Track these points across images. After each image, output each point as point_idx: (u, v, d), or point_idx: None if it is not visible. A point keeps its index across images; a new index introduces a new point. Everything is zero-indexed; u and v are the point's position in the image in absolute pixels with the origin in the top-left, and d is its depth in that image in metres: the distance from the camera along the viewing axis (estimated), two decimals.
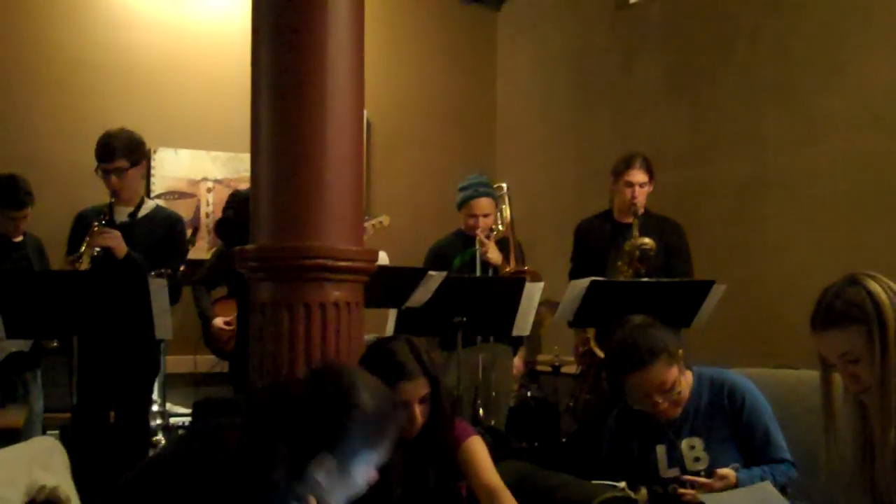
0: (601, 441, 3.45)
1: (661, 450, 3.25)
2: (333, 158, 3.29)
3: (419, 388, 2.80)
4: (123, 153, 4.32)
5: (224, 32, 6.58)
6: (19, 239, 4.77)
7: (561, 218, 5.98)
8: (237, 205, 4.46)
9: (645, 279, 4.46)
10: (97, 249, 4.16)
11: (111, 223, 4.28)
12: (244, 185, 5.19)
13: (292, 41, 3.28)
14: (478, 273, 5.03)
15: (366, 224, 4.70)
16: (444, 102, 7.18)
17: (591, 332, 4.84)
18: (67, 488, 2.15)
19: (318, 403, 1.96)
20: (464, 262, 5.14)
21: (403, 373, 2.78)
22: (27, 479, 2.08)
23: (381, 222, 5.04)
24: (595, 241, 4.93)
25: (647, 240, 4.61)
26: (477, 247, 5.09)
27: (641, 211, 4.74)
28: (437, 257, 5.15)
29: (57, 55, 6.31)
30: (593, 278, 4.08)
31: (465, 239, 5.23)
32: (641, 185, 4.77)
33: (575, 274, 4.83)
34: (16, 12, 6.25)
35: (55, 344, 4.41)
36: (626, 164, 4.80)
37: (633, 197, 4.74)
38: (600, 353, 4.69)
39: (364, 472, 2.03)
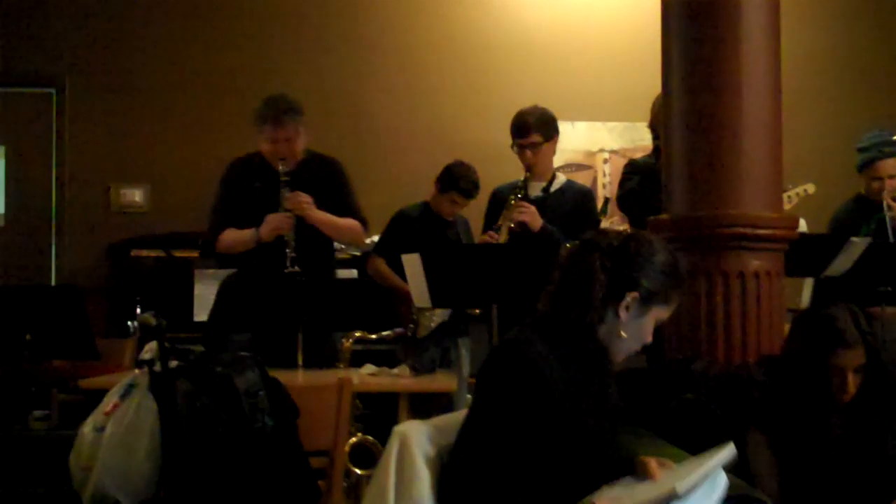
0: None
1: None
2: (750, 124, 3.21)
3: (856, 357, 2.67)
4: (537, 128, 4.47)
5: (618, 4, 6.62)
6: (451, 219, 5.09)
7: None
8: (639, 175, 4.45)
9: None
10: (513, 223, 4.32)
11: (526, 198, 4.42)
12: (640, 154, 5.18)
13: (706, 6, 3.22)
14: (891, 240, 4.67)
15: (789, 193, 4.53)
16: (849, 55, 6.75)
17: None
18: None
19: (626, 252, 2.31)
20: (870, 230, 4.78)
21: (842, 340, 2.67)
22: None
23: (805, 190, 4.78)
24: None
25: None
26: (885, 212, 4.72)
27: None
28: (838, 227, 4.83)
29: (464, 39, 6.63)
30: None
31: (867, 205, 4.85)
32: None
33: None
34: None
35: (477, 312, 4.64)
36: None
37: None
38: None
39: (654, 317, 2.34)
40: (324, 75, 6.41)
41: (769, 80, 3.25)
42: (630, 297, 2.28)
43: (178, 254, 6.10)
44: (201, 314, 5.41)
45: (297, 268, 4.19)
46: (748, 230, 3.16)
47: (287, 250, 4.21)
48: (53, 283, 6.41)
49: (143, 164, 6.47)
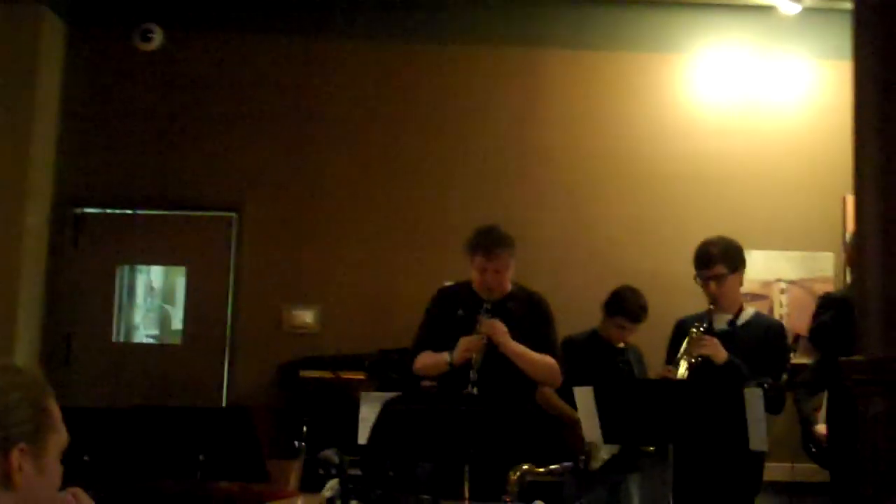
0: None
1: None
2: None
3: None
4: (721, 259, 4.31)
5: (795, 133, 6.50)
6: (621, 345, 5.00)
7: None
8: (834, 309, 4.24)
9: None
10: (695, 358, 4.17)
11: (709, 331, 4.25)
12: (819, 286, 4.97)
13: None
14: None
15: None
16: None
17: None
18: None
19: None
20: None
21: None
22: None
23: None
24: None
25: None
26: None
27: None
28: None
29: (635, 169, 6.65)
30: None
31: None
32: None
33: None
34: (590, 127, 6.72)
35: (651, 449, 4.45)
36: None
37: None
38: None
39: None
40: (494, 206, 6.44)
41: None
42: None
43: (345, 375, 6.14)
44: (365, 437, 5.40)
45: (475, 390, 4.15)
46: None
47: (470, 372, 4.18)
48: (225, 401, 6.55)
49: (315, 286, 6.60)
